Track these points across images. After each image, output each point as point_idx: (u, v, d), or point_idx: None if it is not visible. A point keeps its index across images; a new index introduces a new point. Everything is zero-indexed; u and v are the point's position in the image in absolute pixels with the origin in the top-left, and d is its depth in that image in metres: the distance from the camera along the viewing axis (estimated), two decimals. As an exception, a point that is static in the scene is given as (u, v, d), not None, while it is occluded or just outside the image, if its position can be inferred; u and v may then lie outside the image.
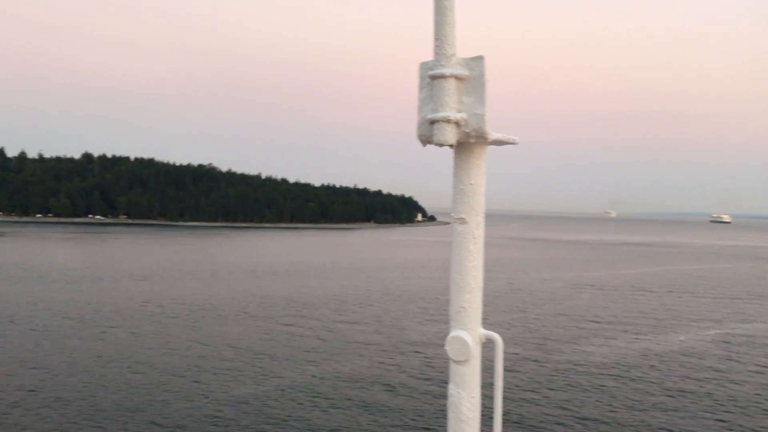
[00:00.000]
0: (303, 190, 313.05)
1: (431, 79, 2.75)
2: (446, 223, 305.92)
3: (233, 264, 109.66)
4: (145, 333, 52.68)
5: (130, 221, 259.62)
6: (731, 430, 34.89)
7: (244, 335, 52.87)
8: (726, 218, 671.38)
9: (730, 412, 37.57)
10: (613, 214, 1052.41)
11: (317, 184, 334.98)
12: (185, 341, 50.11)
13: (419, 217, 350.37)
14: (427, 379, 42.11)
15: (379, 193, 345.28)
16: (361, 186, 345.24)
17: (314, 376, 41.54)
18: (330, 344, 50.65)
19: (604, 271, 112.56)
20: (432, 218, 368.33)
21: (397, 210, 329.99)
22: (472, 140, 2.80)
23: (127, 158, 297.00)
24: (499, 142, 2.90)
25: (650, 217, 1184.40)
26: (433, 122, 2.76)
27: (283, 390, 38.60)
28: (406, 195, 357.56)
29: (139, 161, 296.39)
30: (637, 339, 55.74)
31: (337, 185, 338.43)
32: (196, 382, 39.52)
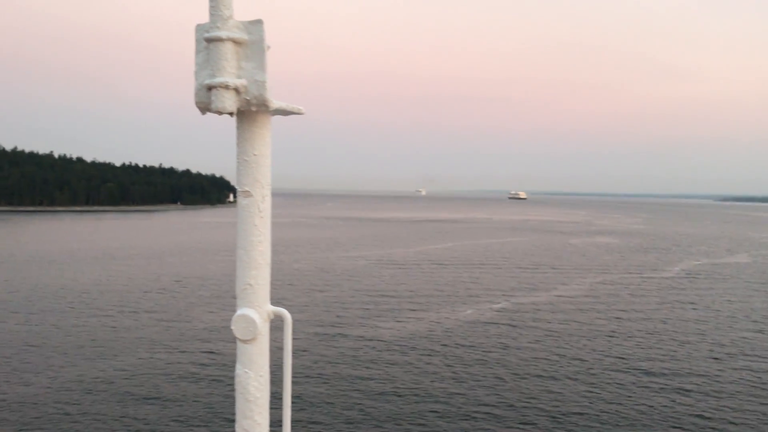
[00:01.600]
0: (101, 170, 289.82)
1: (207, 42, 2.65)
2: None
3: (8, 252, 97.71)
4: None
5: None
6: (504, 397, 35.77)
7: (2, 332, 46.15)
8: (522, 195, 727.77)
9: (505, 381, 38.64)
10: (424, 193, 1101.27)
11: (118, 163, 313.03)
12: None
13: (231, 197, 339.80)
14: (215, 364, 39.32)
15: (187, 172, 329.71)
16: (167, 165, 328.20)
17: (82, 374, 36.80)
18: (107, 336, 45.68)
19: (408, 248, 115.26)
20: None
21: (206, 190, 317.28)
22: (254, 108, 2.71)
23: None
24: (283, 112, 2.83)
25: (457, 194, 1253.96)
26: (210, 88, 2.66)
27: (43, 391, 33.62)
28: (217, 174, 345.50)
29: None
30: (430, 313, 56.59)
31: (141, 165, 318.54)
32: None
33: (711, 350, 46.29)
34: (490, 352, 44.99)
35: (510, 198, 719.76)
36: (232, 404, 3.11)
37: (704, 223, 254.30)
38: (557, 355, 44.78)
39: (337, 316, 54.99)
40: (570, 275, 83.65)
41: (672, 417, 33.77)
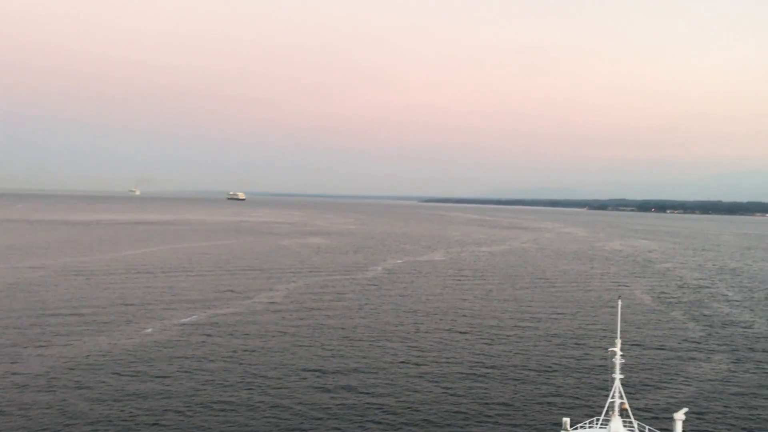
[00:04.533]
0: None
1: None
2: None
3: None
4: None
5: None
6: (193, 409, 30.54)
7: None
8: (241, 195, 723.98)
9: (182, 400, 33.31)
10: (138, 193, 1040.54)
11: None
12: None
13: None
14: None
15: None
16: None
17: None
18: None
19: (104, 254, 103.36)
20: None
21: None
22: None
23: None
24: None
25: (175, 195, 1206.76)
26: None
27: None
28: None
29: None
30: (111, 330, 48.46)
31: None
32: None
33: (406, 352, 45.83)
34: (172, 367, 38.93)
35: (229, 198, 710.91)
36: None
37: (409, 223, 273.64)
38: (247, 364, 40.37)
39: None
40: (278, 279, 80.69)
41: (357, 416, 31.47)
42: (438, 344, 48.70)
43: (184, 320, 53.82)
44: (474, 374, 41.07)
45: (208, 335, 48.88)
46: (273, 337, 49.27)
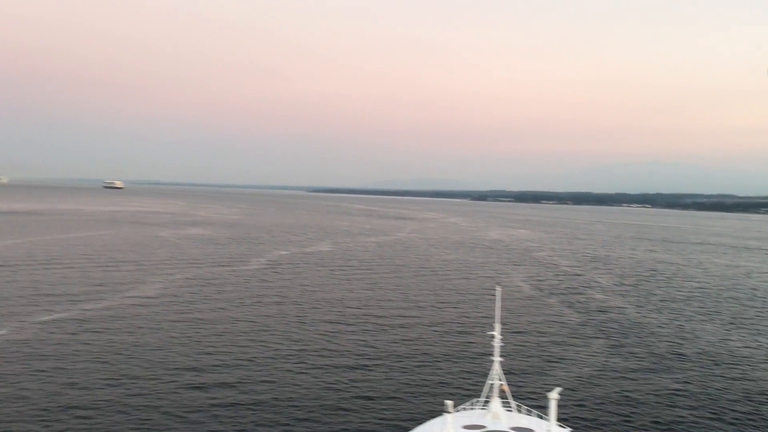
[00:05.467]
0: None
1: None
2: None
3: None
4: None
5: None
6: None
7: None
8: (119, 184, 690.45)
9: (39, 405, 30.23)
10: (5, 180, 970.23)
11: None
12: None
13: None
14: None
15: None
16: None
17: None
18: None
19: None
20: None
21: None
22: None
23: None
24: None
25: (48, 183, 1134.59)
26: None
27: None
28: None
29: None
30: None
31: None
32: None
33: (289, 346, 44.25)
34: (29, 368, 35.43)
35: (105, 187, 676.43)
36: None
37: (297, 213, 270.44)
38: (115, 363, 37.45)
39: None
40: (153, 272, 76.49)
41: (234, 415, 29.84)
42: (322, 337, 47.47)
43: (45, 318, 49.49)
44: (358, 366, 40.23)
45: (73, 333, 45.13)
46: (145, 334, 46.19)
